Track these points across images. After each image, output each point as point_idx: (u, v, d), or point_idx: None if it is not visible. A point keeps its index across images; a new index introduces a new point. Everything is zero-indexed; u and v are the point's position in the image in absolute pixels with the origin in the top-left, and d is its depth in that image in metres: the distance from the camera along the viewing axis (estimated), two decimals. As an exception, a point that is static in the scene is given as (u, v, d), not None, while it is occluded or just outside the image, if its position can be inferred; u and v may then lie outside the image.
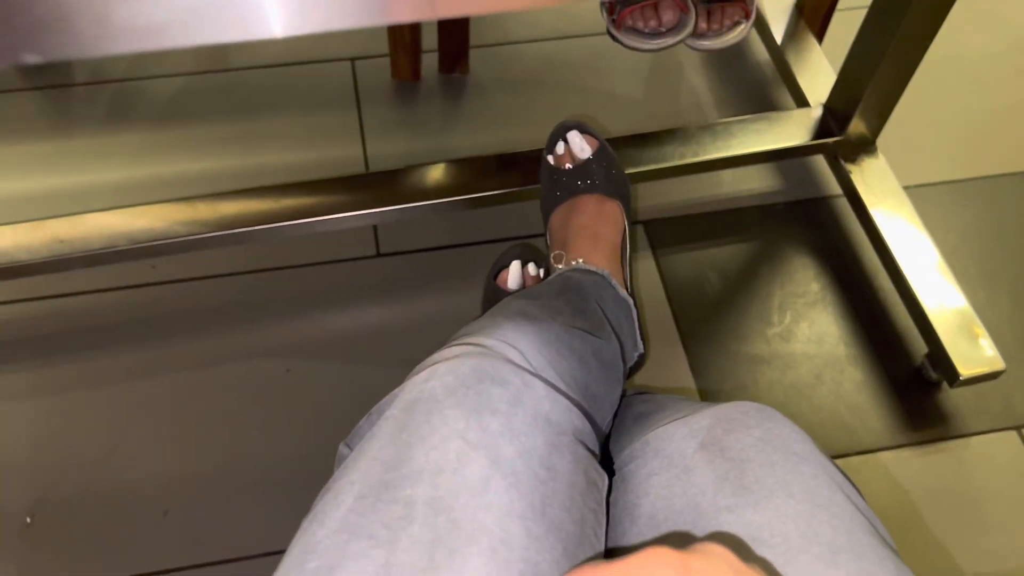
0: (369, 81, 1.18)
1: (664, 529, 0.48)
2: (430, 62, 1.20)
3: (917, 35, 0.90)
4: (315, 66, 1.20)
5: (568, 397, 0.52)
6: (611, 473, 0.55)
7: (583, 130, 0.91)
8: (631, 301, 0.81)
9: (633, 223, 1.07)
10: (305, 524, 0.43)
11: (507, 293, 0.89)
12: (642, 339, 0.82)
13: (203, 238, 0.90)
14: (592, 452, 0.51)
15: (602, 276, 0.79)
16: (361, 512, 0.41)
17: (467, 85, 1.19)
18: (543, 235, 1.05)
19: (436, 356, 0.54)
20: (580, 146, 0.89)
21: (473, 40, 1.17)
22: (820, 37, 1.19)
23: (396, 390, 0.50)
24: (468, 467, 0.43)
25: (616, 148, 0.98)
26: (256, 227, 0.91)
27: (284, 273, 1.01)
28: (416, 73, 1.18)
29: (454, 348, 0.54)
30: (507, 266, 0.91)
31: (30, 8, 0.23)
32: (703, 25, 1.01)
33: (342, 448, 0.53)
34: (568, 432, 0.50)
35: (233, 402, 0.92)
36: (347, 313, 0.98)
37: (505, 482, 0.43)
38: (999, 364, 0.90)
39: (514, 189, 0.97)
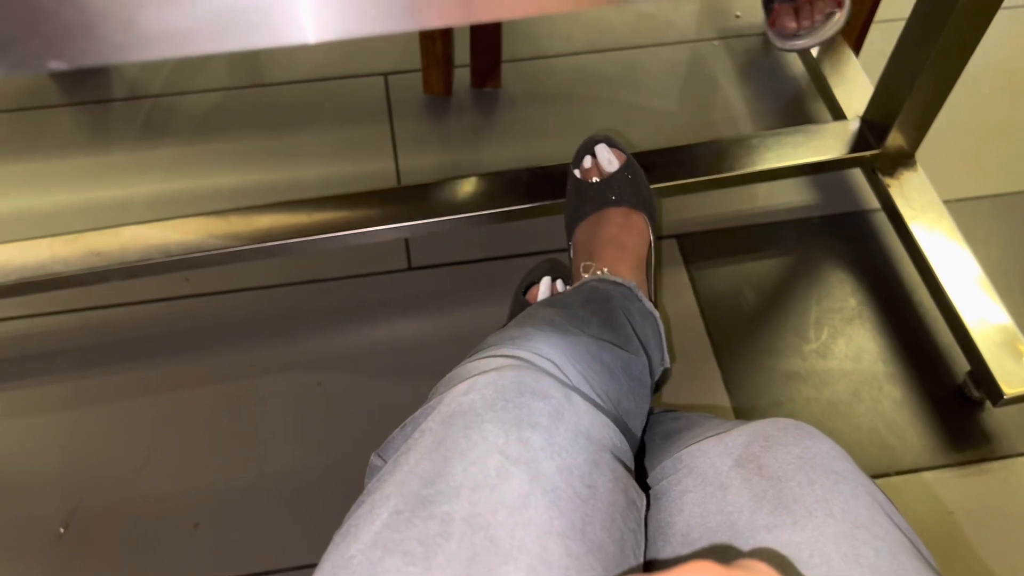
0: (402, 96, 1.19)
1: (699, 548, 0.47)
2: (462, 76, 1.20)
3: (959, 46, 0.88)
4: (349, 81, 1.20)
5: (606, 412, 0.51)
6: (646, 491, 0.54)
7: (611, 144, 0.91)
8: (657, 314, 0.80)
9: (665, 237, 1.06)
10: (337, 539, 0.42)
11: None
12: (668, 353, 0.81)
13: (236, 251, 0.91)
14: (630, 470, 0.50)
15: (628, 288, 0.79)
16: (396, 527, 0.40)
17: (499, 99, 1.19)
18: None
19: (469, 368, 0.53)
20: (608, 159, 0.89)
21: (505, 54, 1.17)
22: (857, 49, 1.17)
23: (433, 401, 0.49)
24: (507, 483, 0.42)
25: (649, 161, 0.98)
26: (289, 240, 0.91)
27: (316, 286, 1.02)
28: (448, 87, 1.18)
29: (492, 360, 0.53)
30: (537, 282, 0.90)
31: (56, 15, 0.23)
32: (792, 24, 0.98)
33: (374, 459, 0.52)
34: (607, 449, 0.48)
35: (265, 415, 0.92)
36: (378, 326, 0.98)
37: (545, 499, 0.42)
38: (1045, 382, 0.88)
39: (545, 203, 0.97)
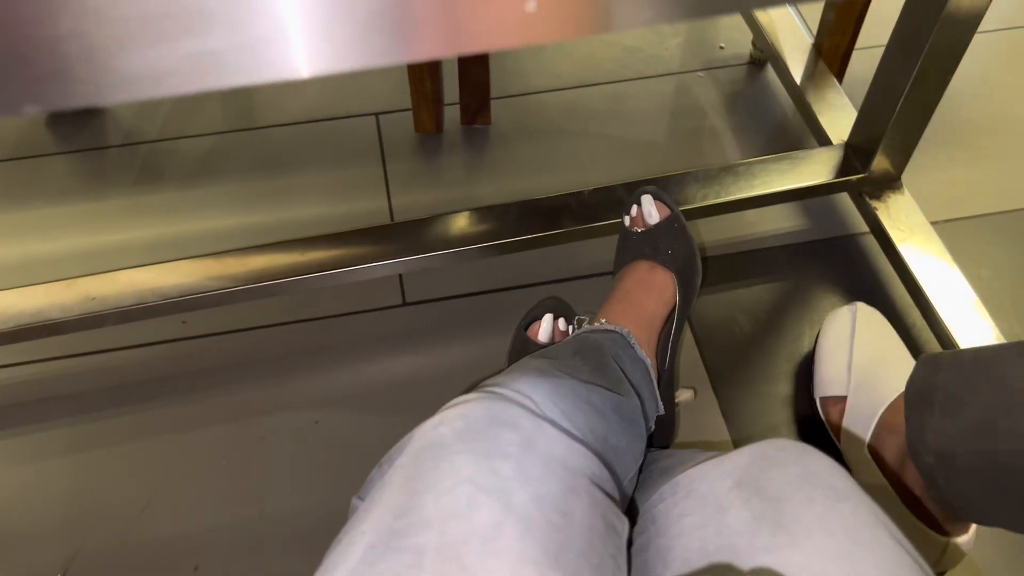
0: (393, 134, 1.20)
1: (698, 569, 0.47)
2: (452, 114, 1.22)
3: (937, 70, 0.90)
4: (340, 122, 1.22)
5: (584, 444, 0.51)
6: (633, 522, 0.54)
7: (657, 196, 0.92)
8: (648, 362, 0.80)
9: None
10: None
11: (537, 345, 0.88)
12: (663, 401, 0.81)
13: (231, 292, 0.92)
14: (612, 497, 0.51)
15: (620, 334, 0.79)
16: (371, 562, 0.41)
17: (489, 135, 1.21)
18: (568, 280, 1.05)
19: (447, 404, 0.54)
20: (648, 211, 0.90)
21: (494, 92, 1.19)
22: (840, 76, 1.19)
23: (405, 438, 0.50)
24: (479, 513, 0.42)
25: (636, 190, 0.99)
26: (284, 280, 0.92)
27: (312, 325, 1.02)
28: (439, 125, 1.20)
29: (465, 395, 0.54)
30: (539, 318, 0.91)
31: (32, 59, 0.24)
32: None
33: (354, 501, 0.52)
34: (584, 476, 0.49)
35: (263, 455, 0.92)
36: (374, 363, 0.99)
37: (518, 527, 0.42)
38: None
39: (537, 235, 0.98)
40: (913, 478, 0.79)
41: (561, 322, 0.91)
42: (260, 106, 1.24)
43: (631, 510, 0.59)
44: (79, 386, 0.97)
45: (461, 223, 0.99)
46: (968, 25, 0.86)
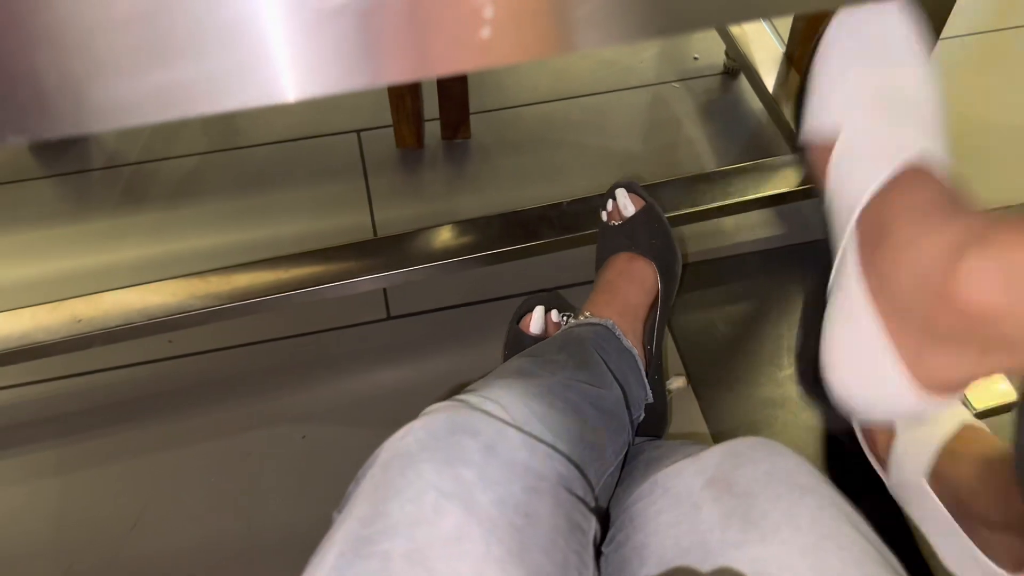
0: (375, 151, 1.22)
1: (673, 567, 0.48)
2: (433, 129, 1.23)
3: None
4: (322, 139, 1.24)
5: (551, 447, 0.53)
6: (605, 527, 0.56)
7: (631, 189, 0.94)
8: (635, 351, 0.82)
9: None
10: None
11: (529, 338, 0.90)
12: (652, 389, 0.83)
13: (216, 310, 0.93)
14: (578, 497, 0.52)
15: (605, 326, 0.80)
16: (340, 570, 0.42)
17: (470, 149, 1.23)
18: (550, 290, 1.07)
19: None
20: (624, 204, 0.92)
21: (473, 106, 1.21)
22: (812, 84, 1.21)
23: (377, 450, 0.52)
24: (444, 518, 0.44)
25: (616, 201, 1.00)
26: (267, 297, 0.93)
27: (297, 341, 1.03)
28: (419, 141, 1.21)
29: (432, 406, 0.56)
30: (531, 310, 0.92)
31: (12, 93, 0.25)
32: None
33: (334, 515, 0.54)
34: (549, 478, 0.50)
35: (251, 470, 0.93)
36: (360, 377, 1.00)
37: (480, 529, 0.44)
38: (1012, 396, 0.90)
39: (519, 246, 0.99)
40: (984, 506, 0.72)
41: (554, 314, 0.92)
42: (242, 125, 1.26)
43: (604, 515, 0.60)
44: (66, 407, 0.98)
45: (444, 236, 1.00)
46: (932, 28, 0.88)
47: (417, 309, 1.06)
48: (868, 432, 0.87)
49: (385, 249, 0.99)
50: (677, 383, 0.95)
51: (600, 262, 0.93)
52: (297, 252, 0.98)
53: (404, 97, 1.15)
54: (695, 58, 1.34)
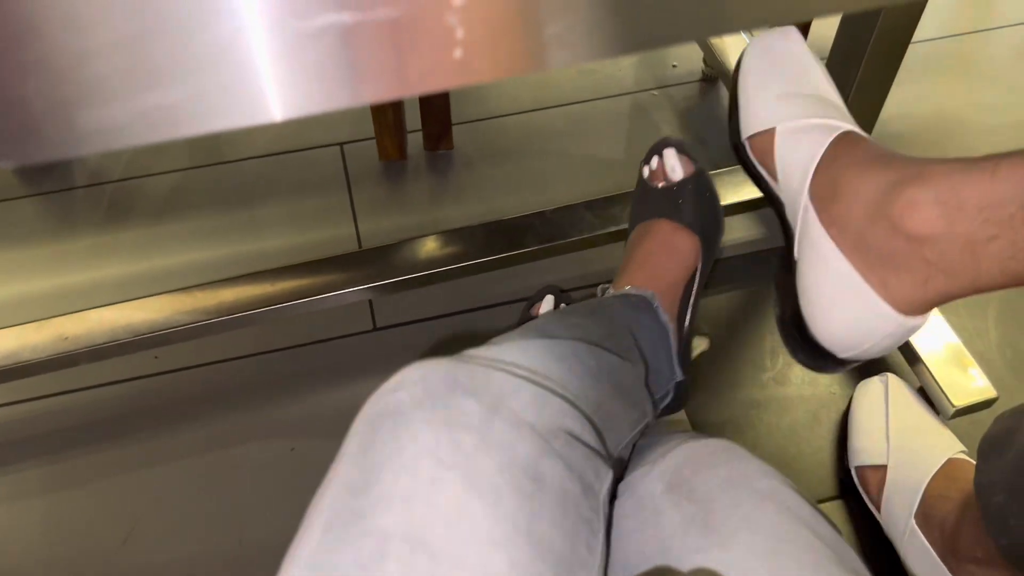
0: (358, 163, 1.23)
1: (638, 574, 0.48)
2: (416, 141, 1.24)
3: (877, 80, 0.94)
4: (306, 153, 1.24)
5: (565, 399, 0.49)
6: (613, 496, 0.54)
7: (681, 150, 0.86)
8: (670, 327, 0.76)
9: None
10: (284, 563, 0.42)
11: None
12: (682, 367, 0.77)
13: (203, 325, 0.93)
14: (593, 450, 0.49)
15: (643, 297, 0.75)
16: (331, 548, 0.40)
17: (453, 160, 1.24)
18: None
19: (410, 365, 0.51)
20: (672, 166, 0.85)
21: (456, 117, 1.22)
22: (789, 89, 1.23)
23: (368, 401, 0.47)
24: (442, 492, 0.40)
25: (596, 209, 1.02)
26: (253, 311, 0.94)
27: (284, 354, 1.04)
28: (402, 152, 1.22)
29: (429, 359, 0.51)
30: (541, 300, 0.90)
31: (2, 118, 0.26)
32: None
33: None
34: (559, 433, 0.46)
35: (241, 483, 0.93)
36: (347, 388, 1.00)
37: (482, 504, 0.40)
38: (991, 393, 0.91)
39: (503, 255, 1.00)
40: (968, 543, 0.76)
41: (563, 305, 0.90)
42: (225, 140, 1.26)
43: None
44: (54, 425, 0.98)
45: (428, 247, 1.01)
46: (903, 32, 0.90)
47: (403, 320, 1.07)
48: (861, 472, 0.90)
49: (370, 261, 0.99)
50: (700, 346, 0.92)
51: (636, 221, 0.86)
52: (280, 266, 0.98)
53: (386, 110, 1.15)
54: (674, 66, 1.36)
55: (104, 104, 0.26)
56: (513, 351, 0.52)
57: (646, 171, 0.88)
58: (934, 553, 0.80)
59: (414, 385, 0.45)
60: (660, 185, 0.85)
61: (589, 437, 0.49)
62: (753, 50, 0.79)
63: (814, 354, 0.66)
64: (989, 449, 0.73)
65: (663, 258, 0.82)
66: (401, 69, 0.31)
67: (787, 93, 0.75)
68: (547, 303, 0.90)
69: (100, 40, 0.27)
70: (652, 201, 0.85)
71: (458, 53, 0.28)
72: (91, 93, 0.27)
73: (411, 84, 0.33)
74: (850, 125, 0.70)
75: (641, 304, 0.75)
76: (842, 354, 0.64)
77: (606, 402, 0.56)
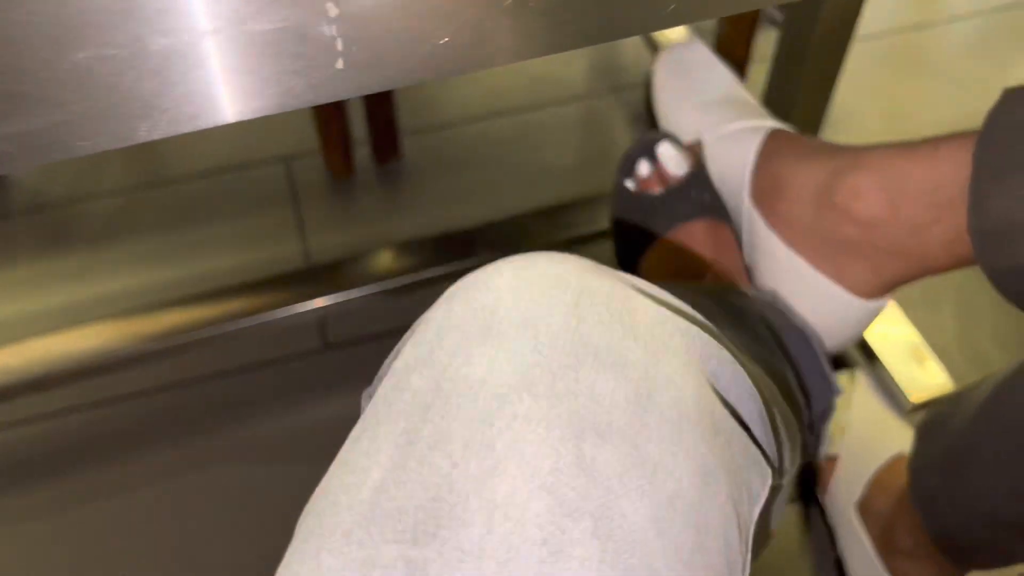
0: (305, 178, 1.20)
1: None
2: (365, 153, 1.22)
3: (822, 78, 0.93)
4: (250, 170, 1.21)
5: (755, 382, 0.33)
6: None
7: (676, 141, 0.74)
8: (808, 330, 0.63)
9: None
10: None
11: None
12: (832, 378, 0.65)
13: (145, 351, 0.90)
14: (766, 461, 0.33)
15: (772, 297, 0.65)
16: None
17: (403, 171, 1.21)
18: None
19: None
20: (676, 161, 0.72)
21: (406, 127, 1.20)
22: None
23: (431, 313, 0.31)
24: (567, 564, 0.24)
25: (552, 215, 1.01)
26: (197, 333, 0.91)
27: (233, 378, 1.01)
28: (350, 166, 1.20)
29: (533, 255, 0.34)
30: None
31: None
32: None
33: (364, 401, 0.36)
34: (736, 441, 0.29)
35: (191, 514, 0.90)
36: (298, 410, 0.98)
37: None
38: (949, 387, 0.91)
39: (456, 267, 0.98)
40: (904, 535, 0.75)
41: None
42: (165, 159, 1.23)
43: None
44: (-6, 462, 0.94)
45: (378, 261, 0.99)
46: (846, 28, 0.89)
47: (355, 336, 1.04)
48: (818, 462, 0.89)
49: (318, 277, 0.97)
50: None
51: (642, 249, 0.72)
52: (224, 286, 0.96)
53: (331, 122, 1.13)
54: (626, 69, 1.35)
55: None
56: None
57: (630, 184, 0.75)
58: (868, 544, 0.79)
59: (522, 339, 0.30)
60: (659, 191, 0.73)
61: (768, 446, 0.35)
62: (661, 66, 0.80)
63: None
64: (925, 433, 0.74)
65: (729, 260, 0.69)
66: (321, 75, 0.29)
67: (703, 102, 0.75)
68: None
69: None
70: (659, 214, 0.71)
71: (339, 64, 0.27)
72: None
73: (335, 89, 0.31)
74: (773, 122, 0.69)
75: (766, 302, 0.64)
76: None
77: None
